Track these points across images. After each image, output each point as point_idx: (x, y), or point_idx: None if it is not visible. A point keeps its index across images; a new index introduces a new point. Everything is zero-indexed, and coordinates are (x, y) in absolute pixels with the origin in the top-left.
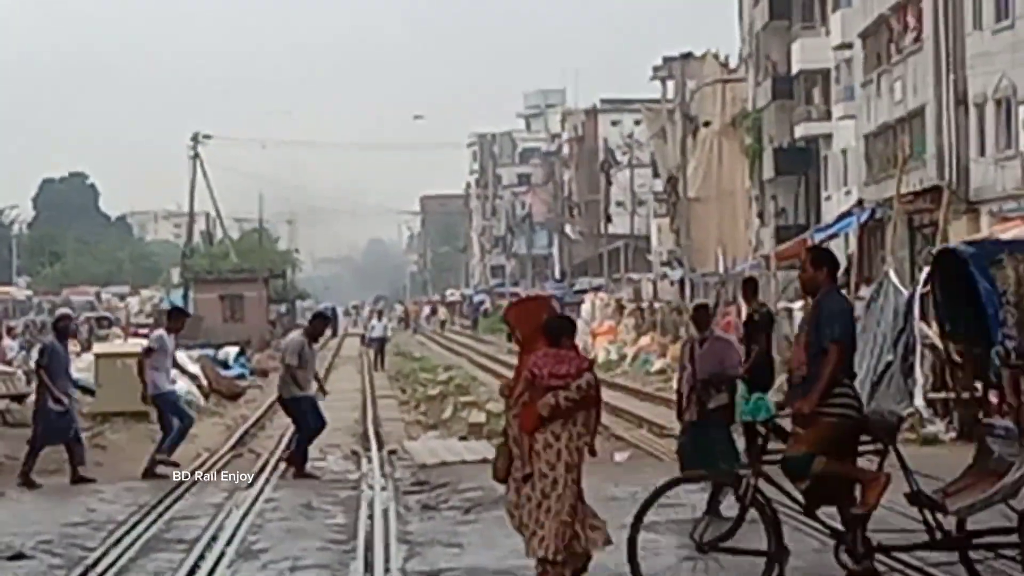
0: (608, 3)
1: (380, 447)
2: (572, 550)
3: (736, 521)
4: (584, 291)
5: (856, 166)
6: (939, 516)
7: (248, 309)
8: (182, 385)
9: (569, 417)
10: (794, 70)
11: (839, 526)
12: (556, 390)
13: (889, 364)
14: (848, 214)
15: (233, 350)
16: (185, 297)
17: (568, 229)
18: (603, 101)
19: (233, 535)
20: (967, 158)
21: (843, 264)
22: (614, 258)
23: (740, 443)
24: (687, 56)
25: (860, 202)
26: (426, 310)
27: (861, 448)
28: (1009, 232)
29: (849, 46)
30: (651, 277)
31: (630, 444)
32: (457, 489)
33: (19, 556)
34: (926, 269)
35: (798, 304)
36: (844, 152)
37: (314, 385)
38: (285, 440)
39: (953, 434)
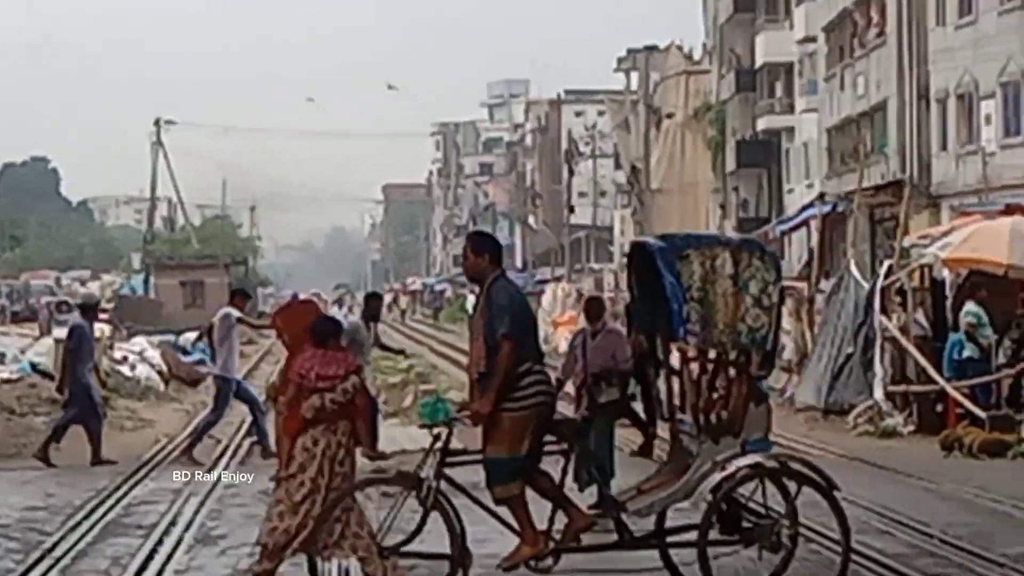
0: None
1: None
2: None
3: (419, 525)
4: (546, 281)
5: (818, 159)
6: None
7: (209, 295)
8: (142, 370)
9: (332, 423)
10: (758, 63)
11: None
12: (323, 392)
13: (849, 356)
14: (810, 207)
15: (192, 335)
16: (146, 283)
17: (530, 219)
18: (567, 92)
19: (192, 521)
20: (929, 153)
21: (804, 257)
22: (576, 248)
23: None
24: (651, 48)
25: (822, 195)
26: (388, 298)
27: (546, 448)
28: (969, 227)
29: (813, 40)
30: (613, 268)
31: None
32: None
33: None
34: (887, 263)
35: None
36: (806, 145)
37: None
38: (245, 426)
39: (912, 427)
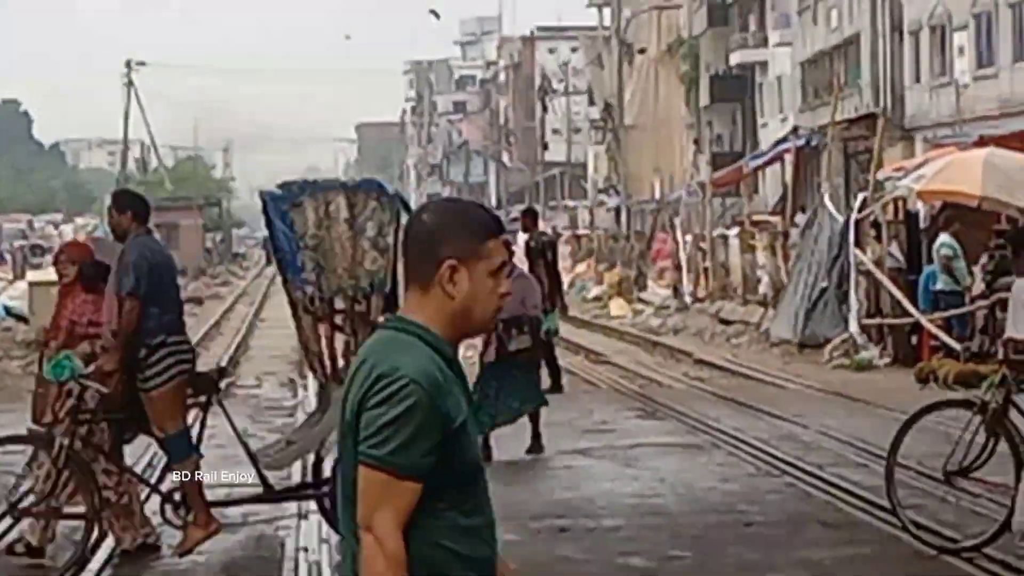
0: None
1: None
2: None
3: (53, 484)
4: (520, 219)
5: (792, 93)
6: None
7: (183, 237)
8: None
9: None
10: None
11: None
12: (92, 339)
13: (824, 290)
14: (784, 141)
15: None
16: None
17: (504, 157)
18: (539, 28)
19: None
20: (902, 86)
21: (779, 192)
22: (550, 186)
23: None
24: None
25: (796, 129)
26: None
27: (189, 401)
28: (943, 159)
29: None
30: (587, 204)
31: (566, 371)
32: None
33: None
34: (861, 196)
35: (733, 231)
36: (780, 79)
37: None
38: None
39: (887, 359)
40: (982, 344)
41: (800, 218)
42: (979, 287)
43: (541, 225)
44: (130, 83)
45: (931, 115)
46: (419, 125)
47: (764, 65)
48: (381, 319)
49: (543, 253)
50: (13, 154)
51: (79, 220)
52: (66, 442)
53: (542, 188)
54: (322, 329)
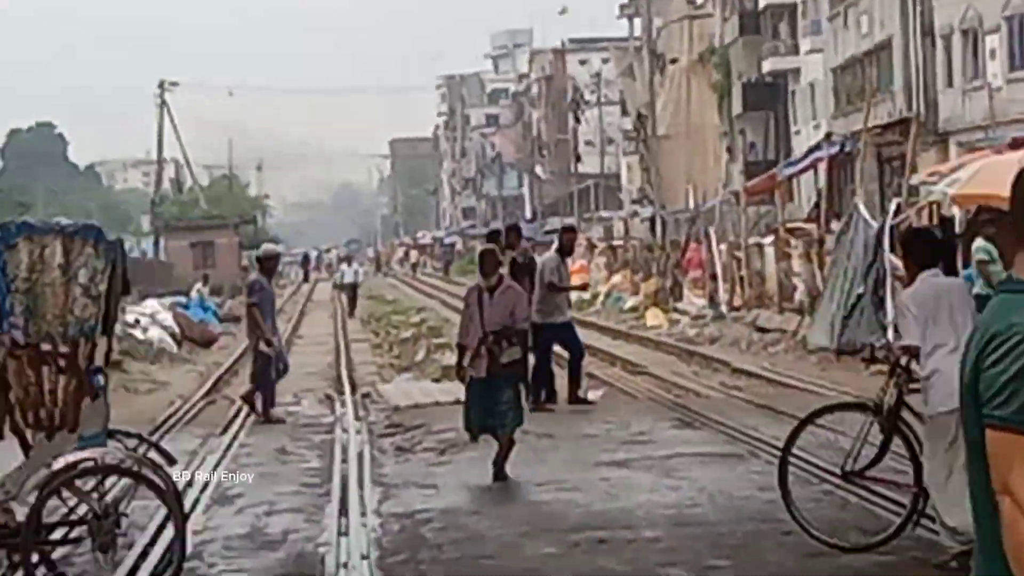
0: None
1: (353, 390)
2: None
3: None
4: (555, 230)
5: (824, 100)
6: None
7: (219, 256)
8: (154, 333)
9: None
10: (761, 5)
11: None
12: None
13: (860, 297)
14: (817, 148)
15: (197, 284)
16: (156, 245)
17: (538, 169)
18: (571, 40)
19: (208, 481)
20: (935, 90)
21: (813, 199)
22: (584, 197)
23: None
24: None
25: (829, 135)
26: (399, 253)
27: None
28: (977, 162)
29: None
30: (622, 215)
31: (603, 382)
32: (431, 431)
33: None
34: (896, 201)
35: (768, 239)
36: (812, 86)
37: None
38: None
39: None
40: None
41: (835, 225)
42: None
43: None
44: (164, 103)
45: (964, 119)
46: (452, 139)
47: (796, 72)
48: (92, 364)
49: (528, 270)
50: (49, 176)
51: None
52: None
53: (576, 200)
54: (45, 372)
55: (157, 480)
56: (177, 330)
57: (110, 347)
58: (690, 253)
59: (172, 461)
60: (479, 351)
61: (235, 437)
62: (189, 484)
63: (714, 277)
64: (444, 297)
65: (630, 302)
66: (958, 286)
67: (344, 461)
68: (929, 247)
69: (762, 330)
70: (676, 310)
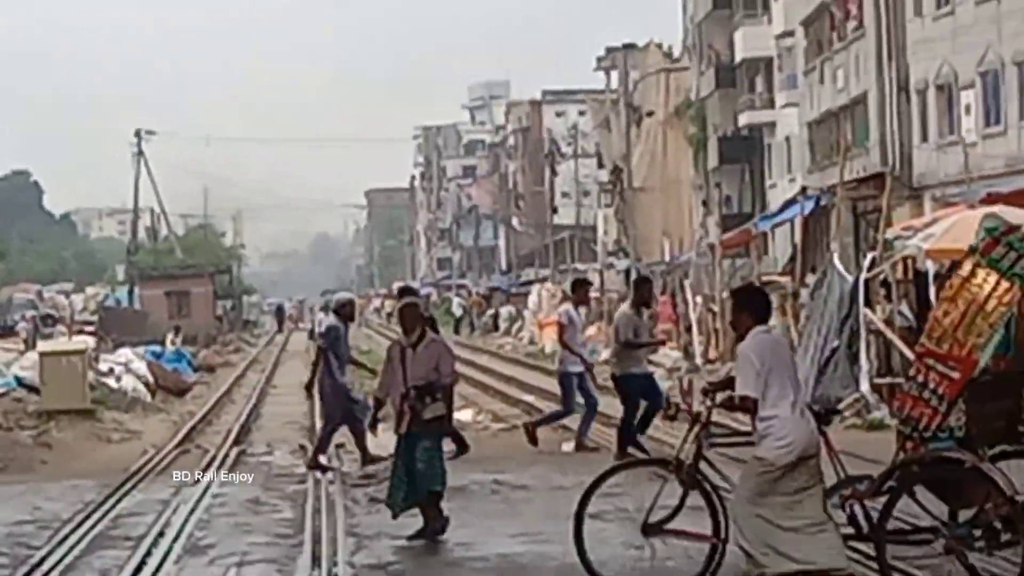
0: None
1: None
2: None
3: None
4: (530, 282)
5: (800, 153)
6: None
7: (194, 305)
8: (127, 381)
9: None
10: (737, 59)
11: None
12: None
13: (835, 350)
14: (793, 202)
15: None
16: (131, 294)
17: (514, 221)
18: (547, 92)
19: (180, 531)
20: (910, 144)
21: (789, 252)
22: (560, 249)
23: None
24: (630, 46)
25: (804, 189)
26: (375, 303)
27: None
28: (951, 217)
29: (791, 34)
30: (597, 267)
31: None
32: None
33: None
34: (870, 255)
35: None
36: (788, 140)
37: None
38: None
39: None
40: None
41: (810, 278)
42: None
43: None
44: (140, 152)
45: (939, 174)
46: (428, 190)
47: (772, 126)
48: None
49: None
50: (23, 225)
51: (90, 289)
52: None
53: (552, 251)
54: None
55: None
56: (151, 379)
57: None
58: (659, 307)
59: None
60: (402, 408)
61: (208, 487)
62: (161, 534)
63: (689, 329)
64: None
65: (604, 354)
66: (784, 342)
67: (317, 512)
68: (765, 303)
69: None
70: (651, 362)
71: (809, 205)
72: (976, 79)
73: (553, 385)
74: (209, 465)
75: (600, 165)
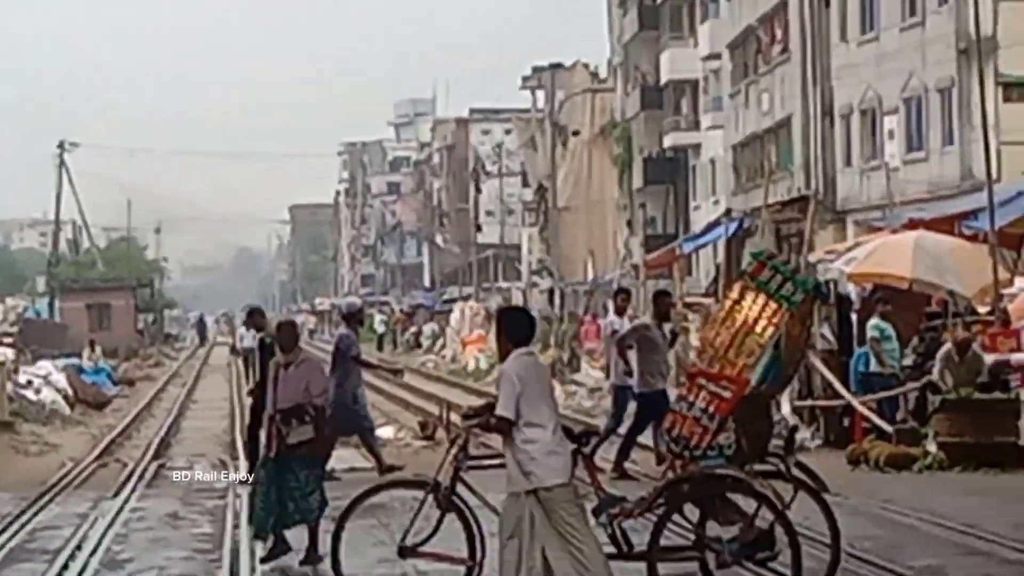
0: (478, 12)
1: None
2: None
3: None
4: (453, 300)
5: (724, 176)
6: None
7: (115, 318)
8: (47, 394)
9: None
10: (663, 80)
11: None
12: None
13: None
14: (717, 223)
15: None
16: (51, 306)
17: (438, 238)
18: (473, 111)
19: (98, 545)
20: (833, 168)
21: (712, 273)
22: (484, 267)
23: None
24: (557, 66)
25: (728, 212)
26: (300, 318)
27: None
28: (874, 241)
29: (717, 57)
30: (521, 286)
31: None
32: None
33: None
34: None
35: None
36: (712, 162)
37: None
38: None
39: (819, 441)
40: (913, 427)
41: None
42: (908, 369)
43: (476, 306)
44: (63, 163)
45: (862, 198)
46: (353, 206)
47: (697, 148)
48: None
49: (271, 352)
50: None
51: (9, 301)
52: None
53: (475, 269)
54: None
55: None
56: (71, 392)
57: None
58: (586, 325)
59: None
60: (270, 430)
61: (126, 501)
62: (78, 548)
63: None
64: None
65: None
66: (545, 366)
67: (236, 527)
68: (528, 325)
69: None
70: (574, 382)
71: (733, 227)
72: (900, 104)
73: (473, 401)
74: (128, 479)
75: (525, 184)
